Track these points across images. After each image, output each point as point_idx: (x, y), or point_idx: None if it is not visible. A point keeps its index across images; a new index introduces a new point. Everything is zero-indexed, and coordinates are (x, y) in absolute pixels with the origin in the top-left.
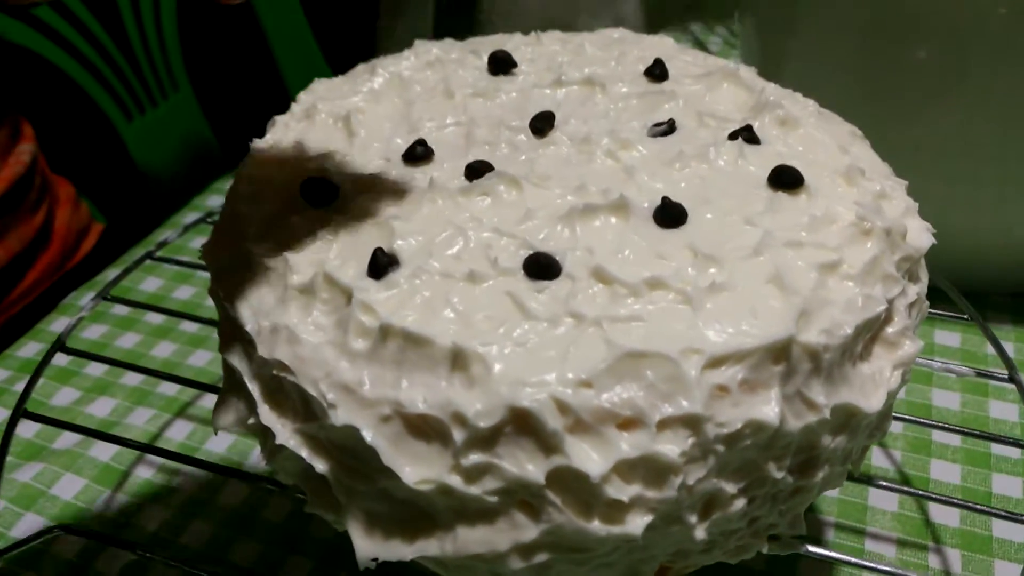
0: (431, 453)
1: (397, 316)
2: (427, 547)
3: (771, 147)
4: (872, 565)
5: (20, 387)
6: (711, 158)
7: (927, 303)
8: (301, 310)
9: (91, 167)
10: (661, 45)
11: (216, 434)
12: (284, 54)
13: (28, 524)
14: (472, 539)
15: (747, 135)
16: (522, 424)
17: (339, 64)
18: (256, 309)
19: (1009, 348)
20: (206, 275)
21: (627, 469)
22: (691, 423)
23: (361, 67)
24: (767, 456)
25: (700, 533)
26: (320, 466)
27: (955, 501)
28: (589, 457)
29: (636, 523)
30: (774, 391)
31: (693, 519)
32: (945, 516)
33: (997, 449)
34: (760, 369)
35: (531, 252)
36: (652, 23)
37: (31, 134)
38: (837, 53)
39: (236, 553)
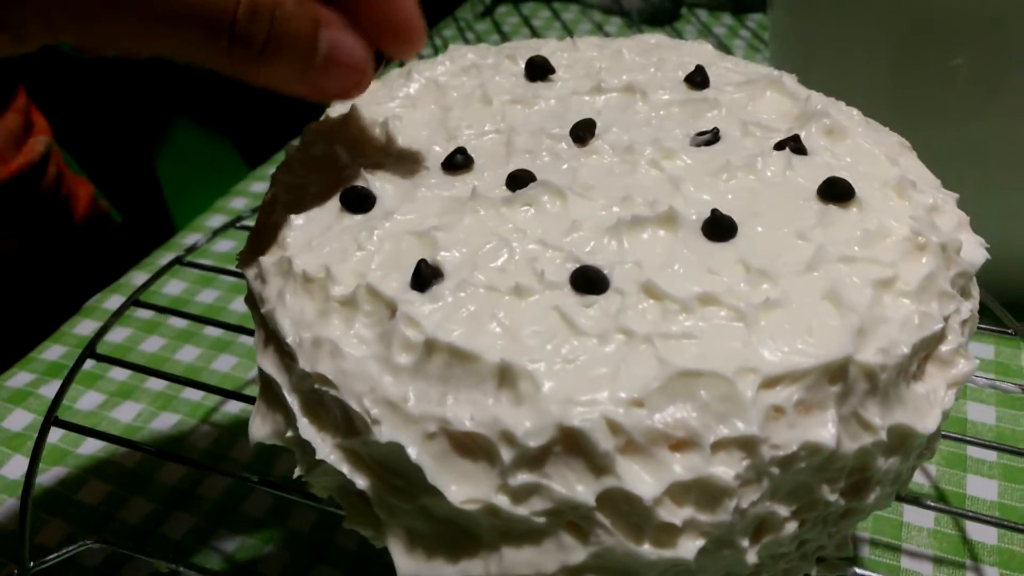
0: (477, 472)
1: (443, 330)
2: (471, 568)
3: (819, 158)
4: None
5: (45, 390)
6: (758, 169)
7: (978, 319)
8: (343, 323)
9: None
10: (700, 51)
11: (252, 446)
12: None
13: (53, 531)
14: (518, 560)
15: (794, 145)
16: (572, 444)
17: None
18: (297, 321)
19: None
20: (230, 279)
21: (680, 492)
22: (746, 445)
23: (395, 72)
24: (820, 478)
25: (751, 557)
26: (361, 482)
27: (992, 520)
28: (641, 479)
29: (688, 547)
30: (830, 412)
31: (745, 543)
32: (983, 534)
33: None
34: (816, 389)
35: (578, 265)
36: None
37: (46, 127)
38: (872, 59)
39: (262, 563)
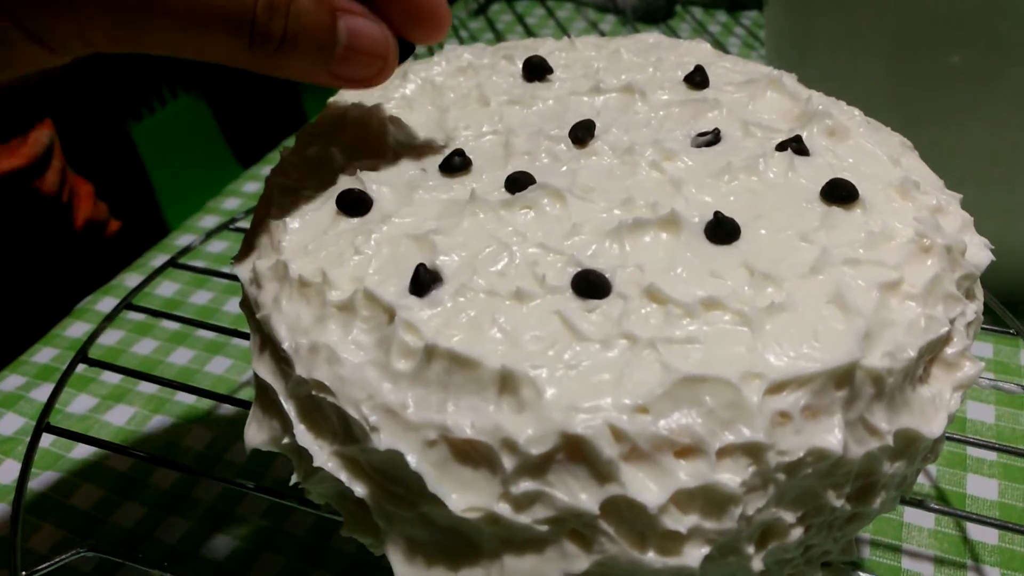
0: (479, 480)
1: (442, 336)
2: None
3: (821, 159)
4: None
5: (36, 394)
6: (760, 170)
7: (982, 320)
8: (341, 328)
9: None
10: (699, 50)
11: (248, 453)
12: None
13: (45, 536)
14: (520, 569)
15: (796, 146)
16: (575, 451)
17: None
18: (293, 326)
19: None
20: (223, 281)
21: (685, 499)
22: (752, 451)
23: None
24: (827, 484)
25: (757, 564)
26: (359, 490)
27: (993, 521)
28: (646, 487)
29: (693, 555)
30: (837, 417)
31: (751, 550)
32: (983, 534)
33: None
34: (823, 394)
35: (579, 269)
36: None
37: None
38: (869, 58)
39: (258, 567)
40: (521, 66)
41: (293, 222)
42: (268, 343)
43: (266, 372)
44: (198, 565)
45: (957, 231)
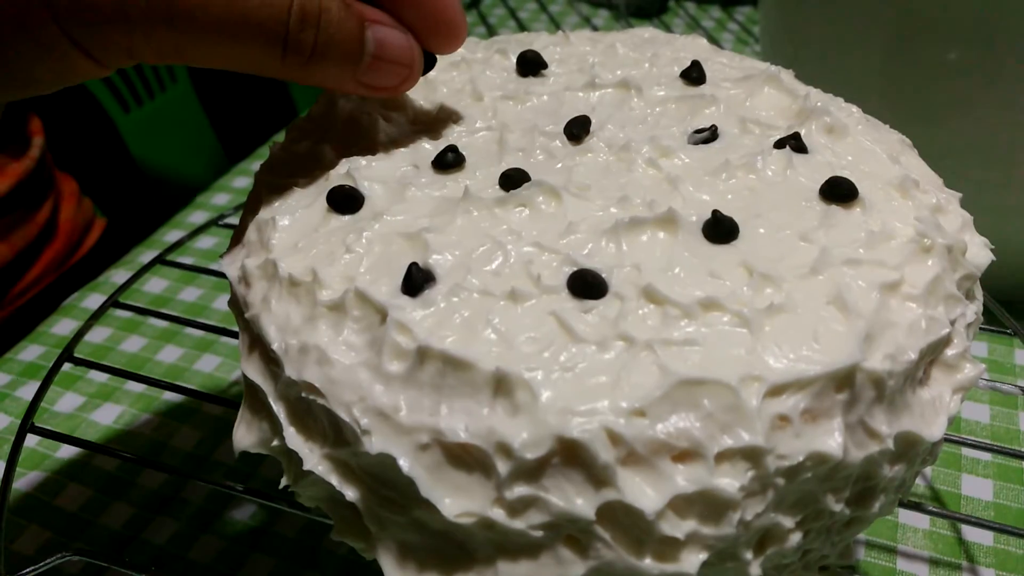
0: (472, 484)
1: (435, 337)
2: None
3: (820, 156)
4: None
5: (23, 392)
6: (759, 168)
7: (981, 321)
8: (331, 329)
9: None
10: (695, 46)
11: (236, 455)
12: None
13: (31, 538)
14: (514, 575)
15: (795, 143)
16: (571, 456)
17: None
18: (282, 326)
19: None
20: (213, 277)
21: (683, 504)
22: (751, 456)
23: None
24: (826, 488)
25: (755, 569)
26: (350, 494)
27: (988, 523)
28: (643, 492)
29: (691, 561)
30: (837, 421)
31: (749, 555)
32: (978, 535)
33: None
34: (823, 398)
35: (575, 269)
36: None
37: (40, 127)
38: (864, 54)
39: (248, 569)
40: (515, 61)
41: (283, 219)
42: (257, 343)
43: (255, 373)
44: (186, 568)
45: (958, 231)
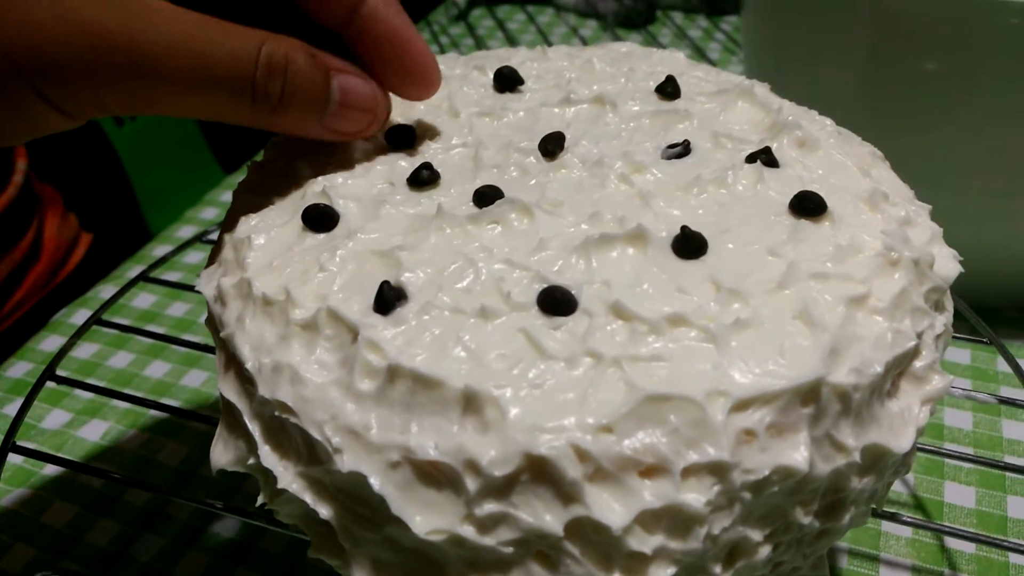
0: (442, 502)
1: (406, 355)
2: None
3: (790, 170)
4: None
5: (9, 410)
6: (729, 182)
7: (952, 331)
8: (304, 348)
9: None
10: (671, 60)
11: (214, 474)
12: None
13: (16, 556)
14: None
15: (765, 158)
16: (539, 472)
17: None
18: (256, 346)
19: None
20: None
21: (650, 519)
22: (717, 470)
23: None
24: (794, 501)
25: None
26: (324, 511)
27: (970, 534)
28: (610, 507)
29: (659, 575)
30: (803, 435)
31: (717, 569)
32: (961, 543)
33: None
34: (788, 412)
35: (545, 286)
36: None
37: (23, 151)
38: (844, 65)
39: None
40: (492, 77)
41: (258, 238)
42: (232, 362)
43: (231, 391)
44: None
45: (926, 243)
